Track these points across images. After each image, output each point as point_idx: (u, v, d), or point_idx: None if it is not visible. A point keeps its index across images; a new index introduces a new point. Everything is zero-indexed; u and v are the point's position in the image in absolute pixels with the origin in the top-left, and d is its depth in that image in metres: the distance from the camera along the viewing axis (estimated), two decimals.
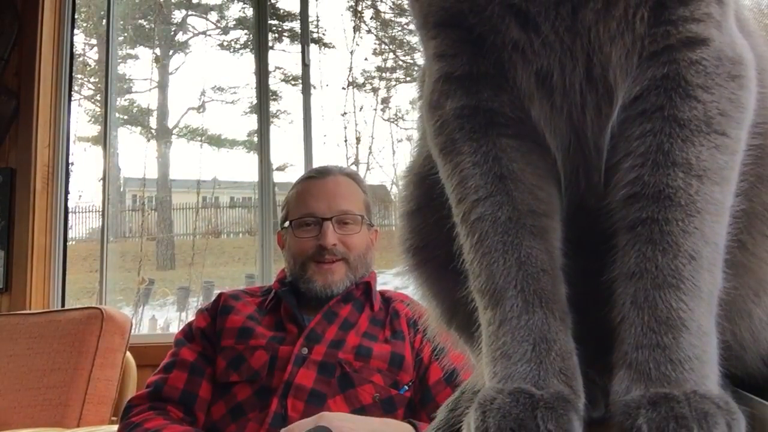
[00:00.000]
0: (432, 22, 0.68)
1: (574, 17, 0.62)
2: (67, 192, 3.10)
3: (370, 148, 3.69)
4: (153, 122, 4.00)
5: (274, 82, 3.43)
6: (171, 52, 3.99)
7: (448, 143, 0.67)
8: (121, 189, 3.84)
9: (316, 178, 1.69)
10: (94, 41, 3.84)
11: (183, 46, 4.04)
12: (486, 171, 0.64)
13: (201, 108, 3.88)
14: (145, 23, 3.95)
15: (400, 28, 3.88)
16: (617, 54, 0.62)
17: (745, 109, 0.61)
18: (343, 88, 3.59)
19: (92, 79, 3.84)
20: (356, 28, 3.68)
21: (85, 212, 3.70)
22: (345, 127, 3.57)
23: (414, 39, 3.78)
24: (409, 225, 0.79)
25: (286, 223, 1.68)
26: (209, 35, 3.91)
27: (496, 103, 0.65)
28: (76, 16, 3.34)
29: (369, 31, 3.80)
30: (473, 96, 0.66)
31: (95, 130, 3.68)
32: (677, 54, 0.61)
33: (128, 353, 2.30)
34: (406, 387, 1.51)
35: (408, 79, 3.81)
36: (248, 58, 3.64)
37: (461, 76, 0.66)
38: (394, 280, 2.74)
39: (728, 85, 0.61)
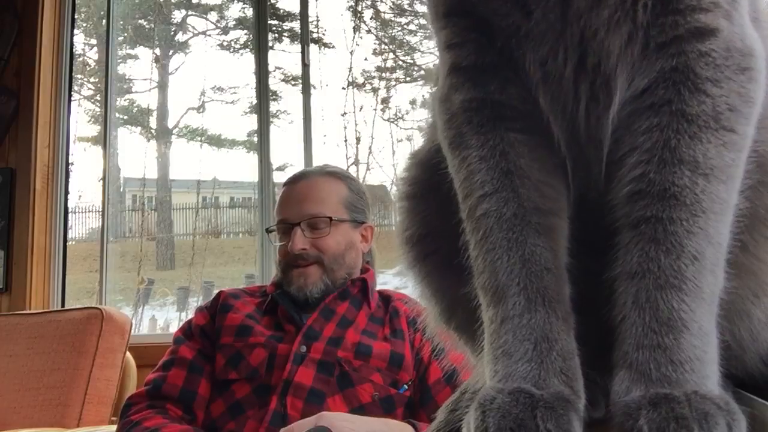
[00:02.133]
0: (442, 12, 0.68)
1: (565, 4, 0.61)
2: (67, 192, 3.10)
3: (370, 148, 3.68)
4: (153, 122, 3.99)
5: (274, 82, 3.43)
6: (171, 52, 3.99)
7: (456, 137, 0.66)
8: (121, 189, 3.84)
9: (291, 183, 1.71)
10: (94, 41, 3.84)
11: (183, 46, 4.03)
12: (493, 166, 0.63)
13: (201, 108, 3.88)
14: (145, 23, 3.95)
15: (400, 28, 3.88)
16: (615, 43, 0.61)
17: (753, 103, 0.60)
18: (343, 88, 3.59)
19: (92, 79, 3.84)
20: (356, 28, 3.68)
21: (85, 212, 3.70)
22: (345, 127, 3.57)
23: (414, 39, 3.78)
24: (410, 210, 0.78)
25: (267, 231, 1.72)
26: (209, 35, 3.90)
27: (503, 95, 0.65)
28: (76, 16, 3.34)
29: (369, 31, 3.80)
30: (481, 88, 0.65)
31: (95, 130, 3.68)
32: (686, 45, 0.60)
33: (128, 353, 2.30)
34: (406, 386, 1.51)
35: (408, 79, 3.81)
36: (248, 58, 3.64)
37: (468, 67, 0.66)
38: (394, 280, 2.74)
39: (737, 78, 0.59)
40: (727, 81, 0.59)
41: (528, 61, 0.63)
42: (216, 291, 1.81)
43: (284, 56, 3.61)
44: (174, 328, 3.19)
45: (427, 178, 0.75)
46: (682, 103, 0.59)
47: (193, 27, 4.04)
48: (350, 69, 3.61)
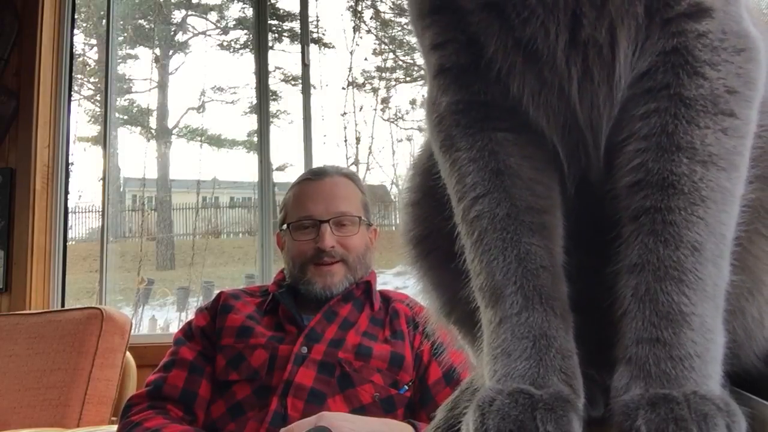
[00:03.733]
0: (426, 10, 0.68)
1: None
2: (67, 192, 3.10)
3: (370, 148, 3.69)
4: (153, 122, 4.00)
5: (274, 82, 3.43)
6: (171, 52, 3.99)
7: (446, 139, 0.67)
8: (121, 189, 3.84)
9: (312, 179, 1.69)
10: (94, 41, 3.84)
11: (183, 46, 4.04)
12: (483, 167, 0.63)
13: (201, 108, 3.88)
14: (145, 23, 3.95)
15: (400, 28, 3.88)
16: (630, 11, 0.59)
17: (754, 84, 0.60)
18: (343, 88, 3.60)
19: (92, 79, 3.84)
20: (356, 28, 3.68)
21: (85, 212, 3.70)
22: (345, 127, 3.57)
23: (414, 39, 3.77)
24: (413, 214, 0.78)
25: (285, 226, 1.68)
26: (209, 35, 3.91)
27: (488, 95, 0.65)
28: (76, 16, 3.34)
29: (369, 31, 3.80)
30: (465, 90, 0.66)
31: (95, 130, 3.68)
32: (685, 24, 0.59)
33: (128, 353, 2.30)
34: (406, 387, 1.51)
35: (408, 79, 3.81)
36: (248, 58, 3.65)
37: (452, 69, 0.66)
38: (394, 280, 2.74)
39: (734, 59, 0.59)
40: (725, 64, 0.59)
41: (499, 42, 0.62)
42: (216, 291, 1.80)
43: (284, 56, 3.61)
44: (174, 328, 3.19)
45: (428, 184, 0.75)
46: (681, 87, 0.58)
47: (193, 27, 4.04)
48: (350, 69, 3.62)
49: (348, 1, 3.71)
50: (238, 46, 3.83)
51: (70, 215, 3.16)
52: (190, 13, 3.99)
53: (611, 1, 0.59)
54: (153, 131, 3.97)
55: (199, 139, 3.88)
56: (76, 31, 3.36)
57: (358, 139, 3.61)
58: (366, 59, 3.74)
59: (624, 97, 0.61)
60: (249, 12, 3.68)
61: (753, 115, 0.59)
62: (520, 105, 0.64)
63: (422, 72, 3.69)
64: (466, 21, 0.64)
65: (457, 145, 0.65)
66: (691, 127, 0.57)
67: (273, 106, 3.26)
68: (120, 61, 3.86)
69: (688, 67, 0.59)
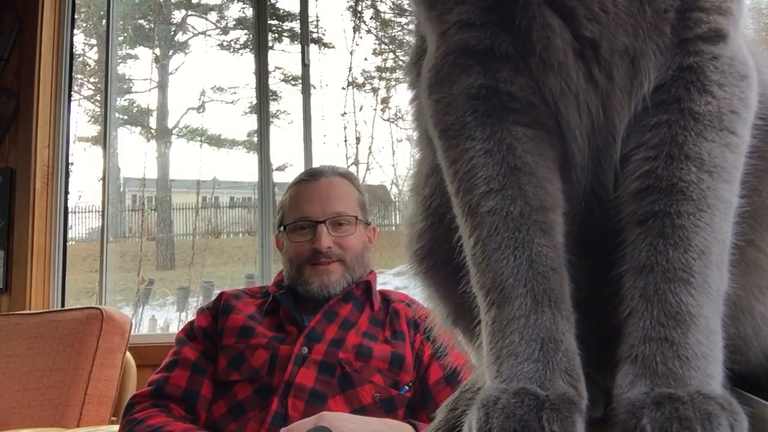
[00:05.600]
0: None
1: None
2: (66, 192, 3.10)
3: (370, 148, 3.69)
4: (153, 122, 3.99)
5: (274, 82, 3.43)
6: (171, 52, 3.99)
7: (455, 125, 0.64)
8: (121, 189, 3.83)
9: (308, 180, 1.69)
10: (94, 41, 3.84)
11: (183, 46, 4.03)
12: (499, 161, 0.62)
13: (201, 108, 3.88)
14: (144, 23, 3.95)
15: (400, 28, 3.88)
16: (659, 27, 0.61)
17: (751, 108, 0.63)
18: (343, 88, 3.60)
19: (92, 79, 3.84)
20: (356, 28, 3.68)
21: (85, 212, 3.70)
22: (345, 127, 3.57)
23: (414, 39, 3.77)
24: (420, 242, 0.77)
25: (282, 227, 1.69)
26: (209, 35, 3.90)
27: (514, 85, 0.63)
28: (76, 16, 3.34)
29: (369, 31, 3.81)
30: (491, 75, 0.63)
31: (95, 130, 3.68)
32: (702, 46, 0.62)
33: (128, 353, 2.30)
34: (407, 387, 1.51)
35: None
36: (248, 58, 3.64)
37: (482, 51, 0.63)
38: (394, 280, 2.74)
39: (739, 84, 0.62)
40: (730, 86, 0.61)
41: (558, 40, 0.61)
42: (216, 291, 1.81)
43: (284, 56, 3.61)
44: (174, 329, 3.19)
45: (433, 219, 0.74)
46: (691, 102, 0.61)
47: (193, 27, 4.04)
48: (350, 69, 3.62)
49: (348, 1, 3.72)
50: (238, 46, 3.83)
51: (70, 215, 3.16)
52: (190, 13, 3.99)
53: (644, 16, 0.61)
54: (153, 131, 3.97)
55: (199, 139, 3.88)
56: (76, 31, 3.36)
57: (358, 139, 3.61)
58: (366, 59, 3.75)
59: (637, 109, 0.63)
60: (249, 12, 3.68)
61: (748, 135, 0.62)
62: (543, 101, 0.63)
63: None
64: (512, 9, 0.62)
65: (470, 134, 0.63)
66: (700, 140, 0.59)
67: (273, 106, 3.26)
68: (120, 61, 3.86)
69: (699, 85, 0.61)
